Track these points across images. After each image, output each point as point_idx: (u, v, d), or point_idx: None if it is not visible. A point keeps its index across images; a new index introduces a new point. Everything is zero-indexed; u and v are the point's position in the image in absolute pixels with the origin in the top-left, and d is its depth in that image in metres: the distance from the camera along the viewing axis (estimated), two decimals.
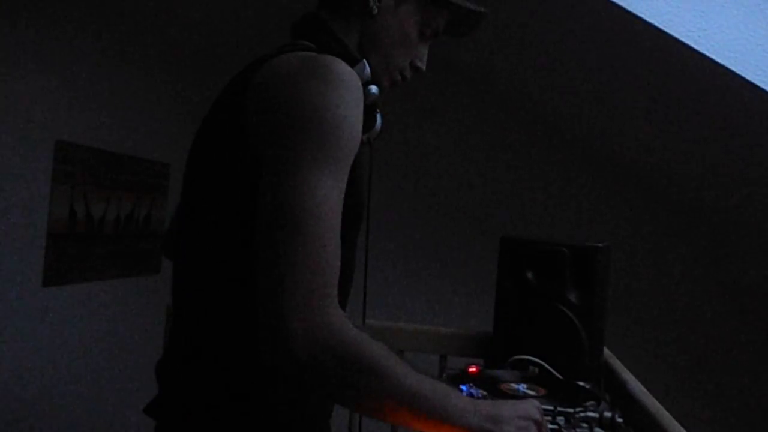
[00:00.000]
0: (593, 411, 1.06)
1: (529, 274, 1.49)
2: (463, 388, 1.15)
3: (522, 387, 1.22)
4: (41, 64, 2.45)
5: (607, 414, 1.04)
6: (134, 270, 3.09)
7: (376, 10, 0.97)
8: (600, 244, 1.46)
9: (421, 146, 3.33)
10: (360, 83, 0.85)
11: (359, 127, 0.84)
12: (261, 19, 3.35)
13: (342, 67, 0.84)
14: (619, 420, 1.03)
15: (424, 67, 1.06)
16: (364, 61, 0.97)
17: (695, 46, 1.70)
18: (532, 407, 0.87)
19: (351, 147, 0.82)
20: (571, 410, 1.05)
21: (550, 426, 1.02)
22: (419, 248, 3.32)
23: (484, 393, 1.10)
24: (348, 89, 0.82)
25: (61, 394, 2.64)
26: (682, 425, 1.07)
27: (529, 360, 1.35)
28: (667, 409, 1.15)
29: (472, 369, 1.32)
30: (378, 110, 1.03)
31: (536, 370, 1.32)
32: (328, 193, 0.77)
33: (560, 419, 1.03)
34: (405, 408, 0.78)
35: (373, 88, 0.98)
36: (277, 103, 0.81)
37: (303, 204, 0.75)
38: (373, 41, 1.00)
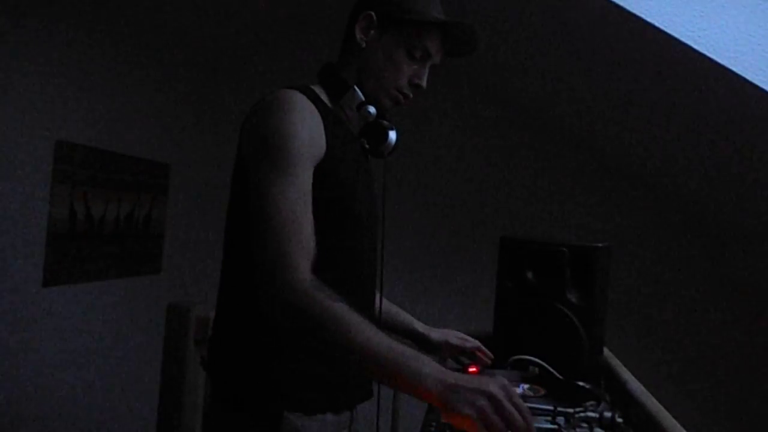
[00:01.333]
0: (593, 411, 1.06)
1: (529, 274, 1.49)
2: None
3: (522, 387, 1.22)
4: (41, 64, 2.45)
5: (607, 414, 1.04)
6: (134, 270, 3.09)
7: (364, 44, 1.19)
8: (600, 244, 1.46)
9: (421, 147, 3.33)
10: (307, 105, 1.10)
11: (308, 137, 1.07)
12: (260, 21, 3.35)
13: (288, 95, 1.09)
14: (619, 420, 1.03)
15: (423, 85, 1.23)
16: (354, 87, 1.19)
17: (695, 46, 1.70)
18: (495, 384, 0.87)
19: (303, 154, 1.06)
20: (571, 410, 1.05)
21: (550, 426, 1.02)
22: (419, 248, 3.32)
23: None
24: (292, 112, 1.07)
25: (61, 393, 2.64)
26: (682, 425, 1.07)
27: (529, 360, 1.35)
28: (667, 409, 1.15)
29: (472, 369, 1.32)
30: (390, 127, 1.22)
31: (536, 370, 1.32)
32: (286, 193, 1.03)
33: (560, 419, 1.03)
34: (364, 362, 0.93)
35: (371, 108, 1.19)
36: (250, 130, 1.11)
37: (270, 205, 1.02)
38: (365, 69, 1.20)
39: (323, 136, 1.10)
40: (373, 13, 1.18)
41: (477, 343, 1.50)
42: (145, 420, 2.92)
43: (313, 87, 1.20)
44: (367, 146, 1.24)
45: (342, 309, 0.95)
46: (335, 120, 1.17)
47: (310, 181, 1.07)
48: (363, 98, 1.19)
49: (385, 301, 1.44)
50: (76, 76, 2.65)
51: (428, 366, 0.89)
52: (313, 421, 1.12)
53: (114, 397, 2.95)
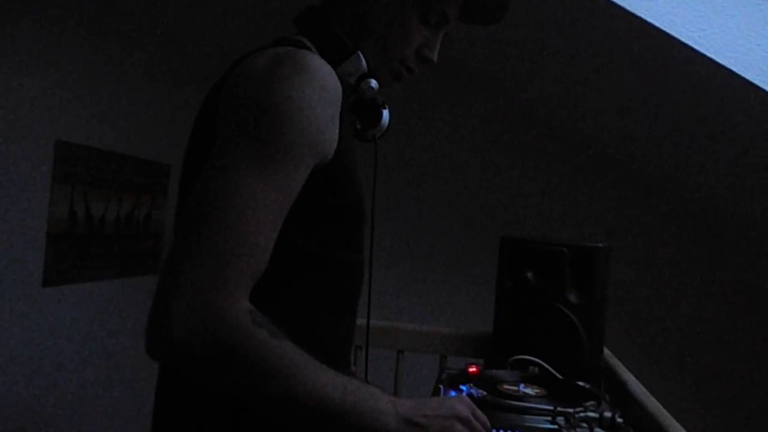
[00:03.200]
0: (593, 411, 1.06)
1: (529, 274, 1.49)
2: (463, 388, 1.15)
3: (522, 387, 1.22)
4: (41, 64, 2.45)
5: (607, 414, 1.04)
6: (134, 270, 3.09)
7: None
8: (600, 244, 1.46)
9: (420, 146, 3.33)
10: (334, 82, 0.81)
11: (323, 126, 0.79)
12: (261, 19, 3.35)
13: (313, 61, 0.80)
14: (619, 420, 1.03)
15: (434, 58, 0.98)
16: (359, 53, 0.92)
17: (695, 46, 1.70)
18: (459, 403, 0.83)
19: (308, 146, 0.77)
20: (571, 410, 1.05)
21: (550, 426, 1.02)
22: (419, 248, 3.32)
23: (484, 393, 1.10)
24: (312, 86, 0.77)
25: (61, 393, 2.64)
26: (683, 425, 1.07)
27: (529, 360, 1.35)
28: (667, 409, 1.15)
29: (472, 369, 1.32)
30: (385, 106, 0.99)
31: (536, 370, 1.32)
32: (258, 190, 0.73)
33: (560, 419, 1.03)
34: (310, 409, 0.73)
35: (372, 82, 0.93)
36: (234, 99, 0.79)
37: (224, 198, 0.72)
38: (367, 27, 0.93)
39: (336, 124, 0.82)
40: None
41: None
42: (144, 420, 2.91)
43: (302, 40, 0.93)
44: (358, 126, 1.00)
45: (287, 347, 0.72)
46: (344, 95, 0.87)
47: (299, 185, 0.78)
48: (367, 68, 0.93)
49: None
50: (76, 76, 2.64)
51: (382, 401, 0.77)
52: None
53: (114, 397, 2.95)
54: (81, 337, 2.74)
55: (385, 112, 0.99)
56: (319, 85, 0.78)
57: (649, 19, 1.72)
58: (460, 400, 0.84)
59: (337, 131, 0.82)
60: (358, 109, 0.97)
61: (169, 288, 0.69)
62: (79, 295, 2.72)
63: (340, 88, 0.82)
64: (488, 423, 0.85)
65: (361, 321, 1.11)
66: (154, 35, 3.10)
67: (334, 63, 0.89)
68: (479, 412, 0.84)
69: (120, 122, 2.92)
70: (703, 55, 1.70)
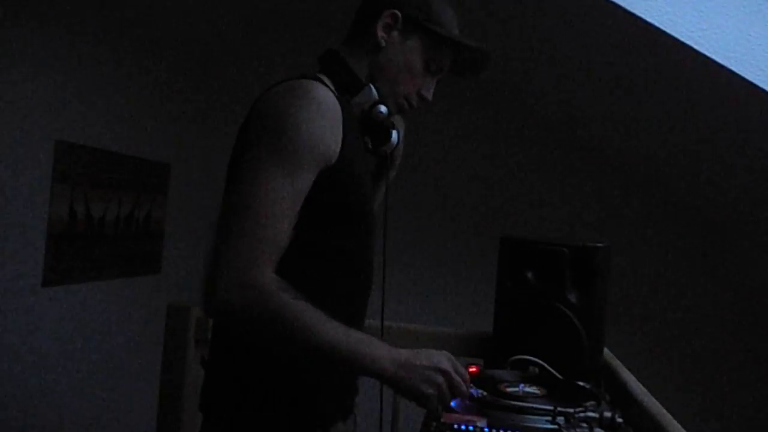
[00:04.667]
0: (593, 411, 1.06)
1: (529, 274, 1.49)
2: None
3: (522, 387, 1.22)
4: (41, 64, 2.45)
5: (607, 414, 1.04)
6: (134, 270, 3.09)
7: (383, 44, 1.13)
8: (600, 244, 1.46)
9: (420, 146, 3.32)
10: (333, 105, 1.03)
11: (325, 140, 1.01)
12: (260, 21, 3.35)
13: (315, 89, 1.02)
14: (619, 420, 1.03)
15: (430, 98, 1.20)
16: (370, 85, 1.13)
17: (695, 46, 1.70)
18: (443, 358, 0.98)
19: (313, 155, 1.00)
20: (571, 410, 1.04)
21: (550, 426, 1.02)
22: (419, 248, 3.32)
23: (484, 393, 1.10)
24: (316, 108, 1.00)
25: (61, 393, 2.64)
26: (682, 425, 1.07)
27: (529, 360, 1.35)
28: (667, 409, 1.15)
29: (472, 369, 1.32)
30: (394, 127, 1.18)
31: (536, 370, 1.32)
32: (275, 186, 0.97)
33: (560, 419, 1.03)
34: (323, 354, 0.96)
35: (383, 108, 1.14)
36: (258, 119, 1.03)
37: (252, 194, 0.96)
38: (381, 70, 1.15)
39: (339, 138, 1.03)
40: (398, 13, 1.12)
41: None
42: (144, 420, 2.92)
43: (320, 76, 1.13)
44: (370, 146, 1.20)
45: (303, 306, 0.94)
46: (350, 120, 1.09)
47: (309, 184, 1.00)
48: (377, 97, 1.13)
49: None
50: (76, 76, 2.64)
51: (381, 349, 0.96)
52: None
53: (114, 397, 2.95)
54: (81, 337, 2.74)
55: (394, 133, 1.19)
56: (320, 108, 1.01)
57: (649, 19, 1.72)
58: (444, 355, 1.00)
59: (338, 142, 1.03)
60: (369, 129, 1.17)
61: (215, 265, 0.94)
62: (79, 295, 2.72)
63: (340, 109, 1.04)
64: (467, 377, 1.01)
65: (368, 321, 1.24)
66: (154, 36, 3.10)
67: (350, 94, 1.13)
68: (462, 369, 0.99)
69: (120, 122, 2.93)
70: (703, 55, 1.70)
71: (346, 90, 1.13)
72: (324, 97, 1.02)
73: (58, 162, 2.53)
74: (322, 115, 1.00)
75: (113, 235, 2.91)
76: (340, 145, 1.03)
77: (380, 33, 1.13)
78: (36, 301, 2.48)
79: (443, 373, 0.97)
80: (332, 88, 1.10)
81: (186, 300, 1.74)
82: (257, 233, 0.95)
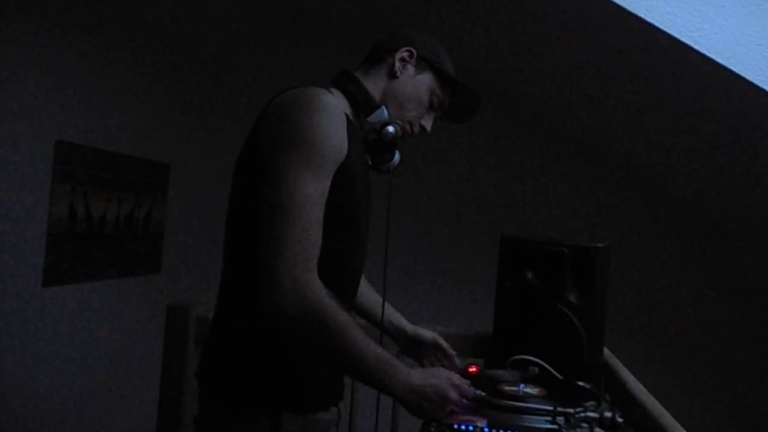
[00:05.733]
0: (593, 411, 1.06)
1: (529, 274, 1.49)
2: None
3: (522, 387, 1.22)
4: (41, 64, 2.45)
5: (607, 414, 1.04)
6: (134, 270, 3.09)
7: (399, 74, 1.27)
8: (600, 244, 1.46)
9: (420, 147, 3.32)
10: (341, 111, 1.12)
11: (338, 141, 1.10)
12: (259, 22, 3.35)
13: (326, 97, 1.11)
14: (619, 420, 1.03)
15: (429, 129, 1.34)
16: (383, 107, 1.25)
17: (695, 46, 1.70)
18: (449, 387, 1.05)
19: (331, 156, 1.08)
20: (571, 410, 1.05)
21: (550, 426, 1.02)
22: (419, 248, 3.32)
23: (484, 393, 1.10)
24: (328, 114, 1.09)
25: (61, 393, 2.64)
26: (683, 425, 1.07)
27: (529, 360, 1.35)
28: (667, 409, 1.15)
29: (472, 369, 1.32)
30: (397, 148, 1.30)
31: (536, 370, 1.32)
32: (308, 189, 1.05)
33: (560, 419, 1.03)
34: (350, 368, 1.06)
35: (390, 128, 1.25)
36: (277, 125, 1.11)
37: (290, 196, 1.04)
38: (393, 96, 1.28)
39: (346, 143, 1.12)
40: (415, 51, 1.28)
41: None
42: (145, 420, 2.92)
43: (331, 90, 1.24)
44: (370, 162, 1.30)
45: (347, 320, 1.03)
46: (353, 129, 1.19)
47: (329, 185, 1.09)
48: (388, 118, 1.25)
49: (372, 293, 1.51)
50: (76, 76, 2.65)
51: (399, 374, 1.04)
52: (310, 421, 1.14)
53: (114, 396, 2.95)
54: (81, 337, 2.74)
55: (397, 153, 1.31)
56: (332, 114, 1.11)
57: (649, 19, 1.72)
58: (450, 383, 1.06)
59: (346, 146, 1.11)
60: (376, 147, 1.28)
61: (268, 271, 1.01)
62: (79, 295, 2.72)
63: (344, 117, 1.13)
64: (470, 393, 1.07)
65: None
66: (154, 36, 3.10)
67: (365, 112, 1.25)
68: (465, 388, 1.07)
69: (120, 122, 2.93)
70: (703, 55, 1.71)
71: (361, 108, 1.25)
72: (334, 104, 1.12)
73: (58, 162, 2.53)
74: (335, 120, 1.10)
75: (113, 235, 2.91)
76: (347, 147, 1.12)
77: (398, 64, 1.27)
78: (36, 301, 2.48)
79: (454, 386, 1.06)
80: (343, 104, 1.23)
81: (186, 300, 1.74)
82: (301, 240, 1.03)
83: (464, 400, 1.06)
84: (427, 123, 1.34)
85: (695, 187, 2.83)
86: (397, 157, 1.32)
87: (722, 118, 2.10)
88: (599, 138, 3.11)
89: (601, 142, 3.12)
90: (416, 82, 1.29)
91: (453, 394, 1.05)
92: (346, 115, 1.16)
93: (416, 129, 1.33)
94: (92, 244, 2.76)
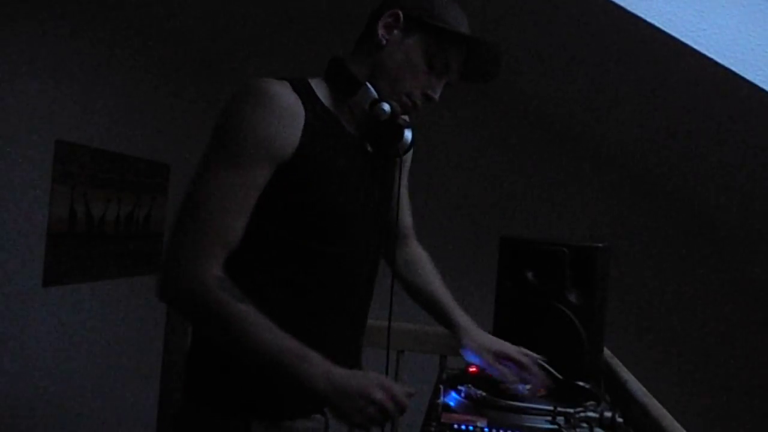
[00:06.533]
0: (593, 411, 1.06)
1: (529, 274, 1.49)
2: (462, 388, 1.15)
3: (522, 387, 1.22)
4: (41, 64, 2.45)
5: (607, 414, 1.04)
6: (134, 270, 3.09)
7: (384, 42, 1.12)
8: (600, 244, 1.46)
9: (420, 146, 3.32)
10: (286, 103, 1.03)
11: (273, 134, 1.01)
12: (260, 22, 3.35)
13: (267, 88, 1.03)
14: (619, 420, 1.03)
15: (436, 98, 1.17)
16: (367, 84, 1.11)
17: (695, 46, 1.70)
18: (376, 388, 0.97)
19: (259, 150, 1.01)
20: (571, 410, 1.05)
21: (550, 426, 1.02)
22: None
23: (484, 393, 1.11)
24: (262, 106, 1.01)
25: (61, 393, 2.64)
26: (682, 425, 1.07)
27: None
28: (667, 409, 1.15)
29: (472, 369, 1.32)
30: (406, 126, 1.15)
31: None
32: (222, 183, 0.99)
33: (560, 419, 1.03)
34: (257, 360, 0.98)
35: (385, 106, 1.10)
36: (217, 118, 1.06)
37: (199, 187, 1.00)
38: (380, 69, 1.12)
39: (296, 135, 1.03)
40: (400, 12, 1.11)
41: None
42: (145, 419, 2.92)
43: (311, 80, 1.13)
44: (369, 149, 1.16)
45: (242, 308, 0.96)
46: (326, 118, 1.09)
47: (262, 179, 1.02)
48: (377, 95, 1.10)
49: (436, 282, 1.48)
50: (76, 76, 2.64)
51: (317, 366, 0.96)
52: (287, 429, 1.09)
53: (114, 396, 2.95)
54: (81, 337, 2.74)
55: (407, 132, 1.16)
56: (272, 104, 1.02)
57: (649, 19, 1.72)
58: (377, 383, 0.98)
59: (295, 138, 1.03)
60: (372, 131, 1.14)
61: (165, 256, 1.00)
62: (79, 295, 2.72)
63: (294, 106, 1.04)
64: (404, 400, 0.97)
65: (373, 322, 1.25)
66: (154, 36, 3.10)
67: (347, 95, 1.12)
68: (397, 391, 0.97)
69: (120, 122, 2.93)
70: (703, 55, 1.70)
71: (343, 91, 1.12)
72: (271, 93, 1.02)
73: (58, 162, 2.53)
74: (272, 112, 1.01)
75: (113, 235, 2.91)
76: (298, 140, 1.03)
77: (381, 32, 1.12)
78: (36, 301, 2.48)
79: (384, 389, 0.97)
80: (322, 92, 1.11)
81: None
82: (202, 228, 0.99)
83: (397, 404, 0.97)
84: (433, 91, 1.16)
85: (695, 187, 2.83)
86: (407, 136, 1.16)
87: (722, 118, 2.09)
88: (599, 138, 3.11)
89: (601, 142, 3.12)
90: (406, 48, 1.11)
91: (378, 395, 0.96)
92: (314, 103, 1.07)
93: (419, 101, 1.15)
94: (92, 244, 2.76)
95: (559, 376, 1.28)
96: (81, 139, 2.66)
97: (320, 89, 1.12)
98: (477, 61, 1.18)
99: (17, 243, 2.38)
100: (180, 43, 3.28)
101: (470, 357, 1.32)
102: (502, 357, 1.29)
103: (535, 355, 1.30)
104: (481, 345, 1.31)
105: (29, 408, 2.47)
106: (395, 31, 1.12)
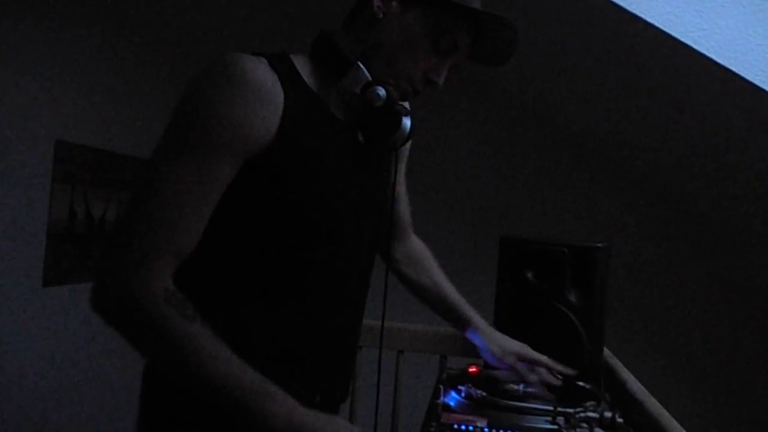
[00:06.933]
0: (593, 411, 1.06)
1: (529, 274, 1.49)
2: (462, 388, 1.15)
3: (522, 387, 1.22)
4: (41, 64, 2.45)
5: (607, 414, 1.04)
6: None
7: (381, 15, 0.95)
8: (600, 244, 1.46)
9: (420, 146, 3.32)
10: (261, 83, 0.86)
11: (242, 120, 0.84)
12: (261, 20, 3.35)
13: (235, 63, 0.86)
14: (619, 420, 1.03)
15: (440, 82, 1.00)
16: (358, 63, 0.94)
17: (695, 46, 1.70)
18: (349, 427, 0.85)
19: (222, 139, 0.84)
20: (571, 410, 1.05)
21: (550, 426, 1.02)
22: None
23: (484, 393, 1.11)
24: (229, 85, 0.84)
25: (61, 393, 2.64)
26: (682, 425, 1.07)
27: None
28: (667, 409, 1.15)
29: (472, 369, 1.32)
30: (404, 114, 0.97)
31: None
32: (175, 175, 0.82)
33: (560, 419, 1.03)
34: (205, 391, 0.80)
35: (380, 90, 0.93)
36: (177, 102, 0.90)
37: (151, 185, 0.83)
38: (376, 46, 0.96)
39: (273, 121, 0.87)
40: None
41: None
42: None
43: (293, 56, 0.96)
44: (360, 138, 0.99)
45: (190, 331, 0.79)
46: (310, 102, 0.93)
47: (226, 174, 0.85)
48: (370, 77, 0.94)
49: (442, 279, 1.42)
50: (76, 76, 2.64)
51: (278, 405, 0.81)
52: None
53: (114, 396, 2.95)
54: (81, 337, 2.74)
55: (406, 120, 0.96)
56: (243, 85, 0.84)
57: (649, 19, 1.72)
58: (349, 424, 0.87)
59: (270, 126, 0.87)
60: (364, 118, 0.96)
61: (102, 258, 0.86)
62: (79, 295, 2.72)
63: (273, 85, 0.87)
64: None
65: (371, 322, 1.21)
66: (154, 35, 3.10)
67: (335, 76, 0.95)
68: None
69: (120, 122, 2.92)
70: (703, 55, 1.70)
71: (331, 71, 0.96)
72: (250, 72, 0.85)
73: (58, 162, 2.53)
74: (243, 93, 0.84)
75: None
76: (276, 127, 0.87)
77: (377, 3, 0.94)
78: (36, 301, 2.48)
79: None
80: (307, 71, 0.96)
81: None
82: (150, 229, 0.81)
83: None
84: (438, 74, 0.98)
85: (695, 187, 2.83)
86: (406, 125, 0.96)
87: (722, 118, 2.09)
88: (599, 138, 3.11)
89: (600, 142, 3.12)
90: (405, 23, 0.94)
91: None
92: (296, 83, 0.91)
93: (420, 85, 0.99)
94: (92, 244, 2.76)
95: (560, 376, 1.28)
96: (81, 139, 2.66)
97: (304, 68, 0.96)
98: (489, 40, 1.01)
99: (17, 243, 2.38)
100: (180, 43, 3.28)
101: (492, 361, 1.30)
102: (524, 360, 1.27)
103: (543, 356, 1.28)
104: (505, 349, 1.28)
105: (29, 408, 2.47)
106: (393, 3, 0.95)
